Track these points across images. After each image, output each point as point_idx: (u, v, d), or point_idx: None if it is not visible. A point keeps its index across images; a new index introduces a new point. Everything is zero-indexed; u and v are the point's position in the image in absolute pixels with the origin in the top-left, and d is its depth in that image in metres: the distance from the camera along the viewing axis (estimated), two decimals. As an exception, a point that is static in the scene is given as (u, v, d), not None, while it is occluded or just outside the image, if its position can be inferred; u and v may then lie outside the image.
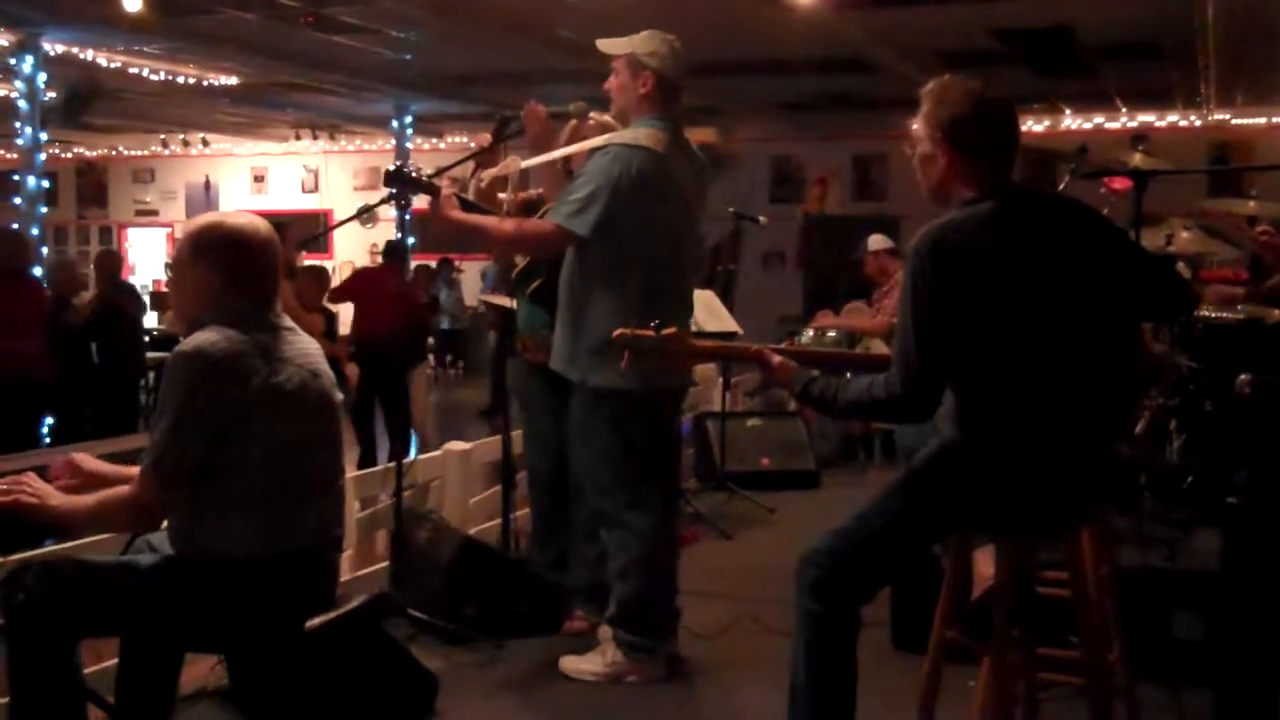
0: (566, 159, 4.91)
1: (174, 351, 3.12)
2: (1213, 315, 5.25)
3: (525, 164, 4.91)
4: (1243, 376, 3.54)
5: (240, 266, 3.19)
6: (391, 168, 4.71)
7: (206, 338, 3.08)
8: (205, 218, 3.31)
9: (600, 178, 4.44)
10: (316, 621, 3.19)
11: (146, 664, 3.36)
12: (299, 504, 3.19)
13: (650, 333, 3.46)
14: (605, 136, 4.61)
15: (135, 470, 3.20)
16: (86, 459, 3.49)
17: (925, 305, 3.02)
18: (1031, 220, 3.11)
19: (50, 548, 3.83)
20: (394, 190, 4.62)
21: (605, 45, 4.63)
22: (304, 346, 3.28)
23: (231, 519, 3.10)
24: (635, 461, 4.56)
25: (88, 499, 3.20)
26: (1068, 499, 3.15)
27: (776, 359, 3.34)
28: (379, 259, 18.43)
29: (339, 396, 3.38)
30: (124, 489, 3.15)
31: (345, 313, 10.55)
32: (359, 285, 10.28)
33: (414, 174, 4.65)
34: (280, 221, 6.20)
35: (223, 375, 3.05)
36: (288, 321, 3.28)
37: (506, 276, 5.68)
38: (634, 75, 4.56)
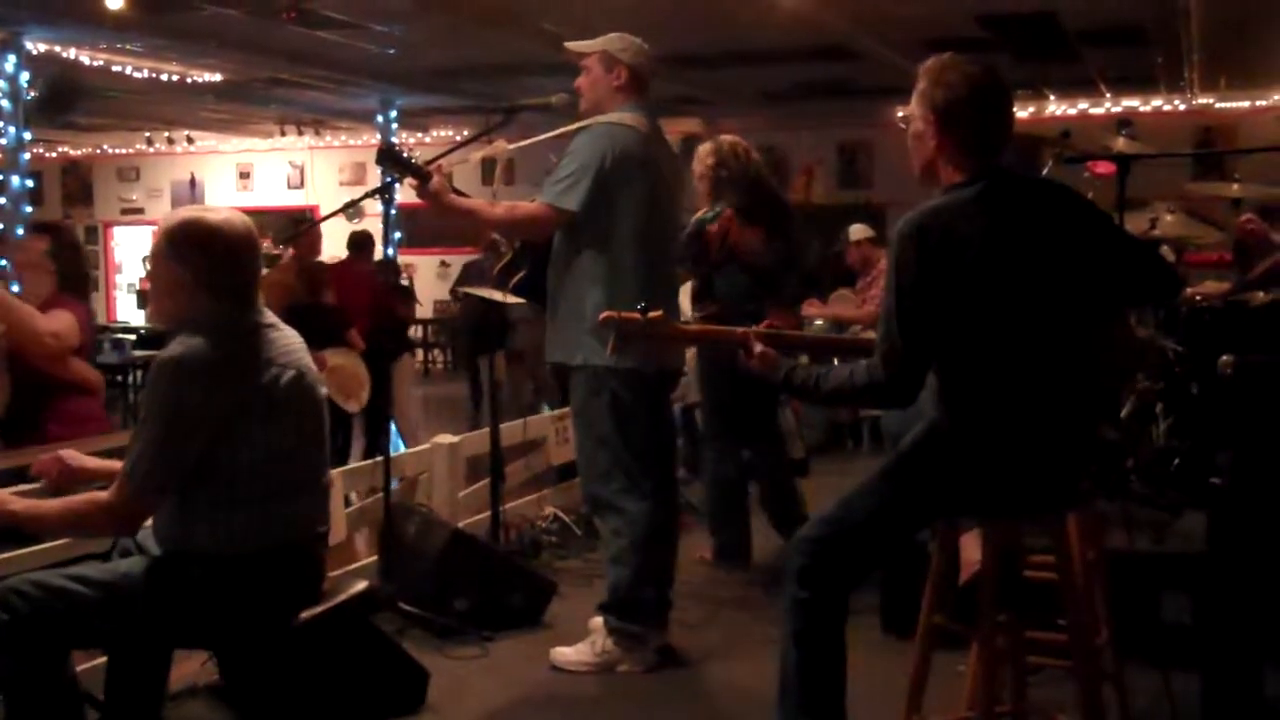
0: None
1: (157, 360, 3.09)
2: (1198, 298, 5.26)
3: (512, 146, 4.92)
4: (1224, 358, 3.55)
5: (215, 264, 3.16)
6: (384, 146, 4.71)
7: (189, 346, 3.05)
8: (182, 213, 3.26)
9: (586, 154, 4.48)
10: (305, 616, 3.19)
11: (136, 661, 3.36)
12: (287, 501, 3.19)
13: (637, 315, 3.47)
14: (589, 121, 4.63)
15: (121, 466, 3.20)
16: (74, 455, 3.48)
17: (909, 291, 3.02)
18: (1016, 205, 3.11)
19: (34, 549, 3.83)
20: (384, 171, 4.61)
21: (575, 46, 4.71)
22: (288, 344, 3.26)
23: (221, 519, 3.10)
24: (632, 447, 4.58)
25: (54, 503, 3.17)
26: (1054, 483, 3.15)
27: (759, 346, 3.34)
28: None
29: (324, 391, 3.37)
30: (99, 495, 3.12)
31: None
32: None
33: (405, 155, 4.65)
34: (57, 222, 6.17)
35: (207, 385, 3.03)
36: (270, 318, 3.26)
37: (484, 270, 5.72)
38: (608, 69, 4.63)
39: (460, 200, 4.61)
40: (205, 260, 3.15)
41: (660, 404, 4.79)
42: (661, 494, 4.69)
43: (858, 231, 9.50)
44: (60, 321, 4.64)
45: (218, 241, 3.16)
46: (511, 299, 5.34)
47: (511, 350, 9.94)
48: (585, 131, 4.57)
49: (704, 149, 6.06)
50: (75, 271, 5.02)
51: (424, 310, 19.15)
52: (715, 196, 5.95)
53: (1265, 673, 3.44)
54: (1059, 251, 3.09)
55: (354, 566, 5.39)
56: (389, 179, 4.67)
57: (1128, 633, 3.74)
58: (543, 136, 4.84)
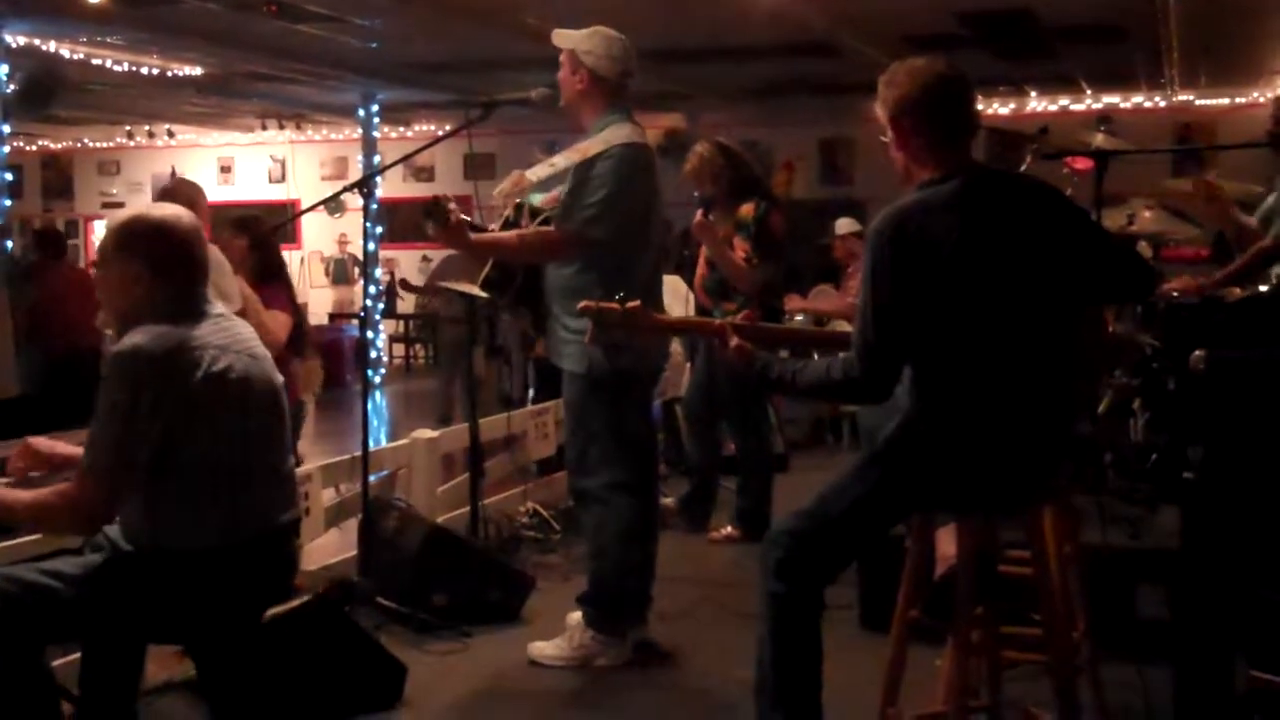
0: None
1: (112, 352, 3.07)
2: (1174, 293, 5.28)
3: (531, 175, 4.86)
4: (1197, 353, 3.55)
5: (167, 256, 3.15)
6: (430, 201, 4.54)
7: (143, 337, 3.03)
8: (127, 212, 3.27)
9: (612, 181, 4.48)
10: (278, 610, 3.18)
11: (110, 656, 3.35)
12: (251, 491, 3.17)
13: (616, 305, 3.48)
14: (599, 141, 4.57)
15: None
16: (41, 441, 3.45)
17: (885, 288, 3.03)
18: (993, 201, 3.11)
19: (7, 543, 3.82)
20: (429, 220, 4.49)
21: (559, 37, 4.69)
22: (239, 332, 3.25)
23: (186, 512, 3.08)
24: (621, 443, 4.60)
25: (24, 494, 3.13)
26: (1028, 478, 3.16)
27: (735, 340, 3.34)
28: (348, 249, 18.39)
29: (279, 379, 3.36)
30: (63, 487, 3.09)
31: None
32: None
33: (439, 204, 4.52)
34: (250, 215, 6.19)
35: (164, 374, 3.01)
36: (219, 308, 3.26)
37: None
38: (573, 70, 4.64)
39: (481, 236, 4.60)
40: (157, 251, 3.14)
41: (647, 401, 4.84)
42: (644, 490, 4.72)
43: (845, 225, 9.56)
44: (282, 326, 5.36)
45: (166, 233, 3.17)
46: (483, 294, 5.29)
47: (494, 345, 9.90)
48: (607, 159, 4.51)
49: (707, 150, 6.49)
50: (273, 261, 5.82)
51: (405, 305, 19.13)
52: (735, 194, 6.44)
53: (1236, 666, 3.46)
54: (1035, 248, 3.09)
55: (333, 561, 5.38)
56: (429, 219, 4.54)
57: (1104, 627, 3.76)
58: (560, 164, 4.70)
